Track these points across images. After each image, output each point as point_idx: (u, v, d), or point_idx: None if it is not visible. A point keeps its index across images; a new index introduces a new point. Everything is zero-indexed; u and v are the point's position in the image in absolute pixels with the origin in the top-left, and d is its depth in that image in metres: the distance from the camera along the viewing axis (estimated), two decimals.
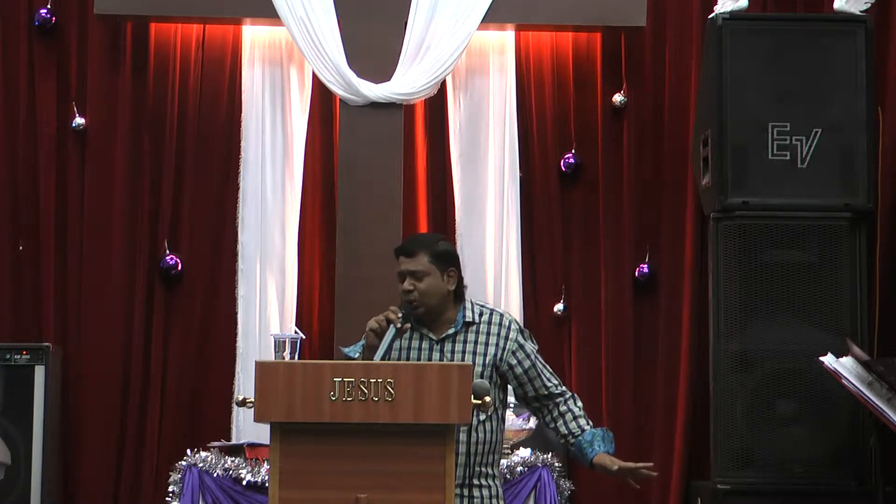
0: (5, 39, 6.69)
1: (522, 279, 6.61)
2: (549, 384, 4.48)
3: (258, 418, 3.71)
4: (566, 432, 4.46)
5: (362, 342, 4.41)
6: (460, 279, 4.48)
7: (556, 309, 6.66)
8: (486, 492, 4.42)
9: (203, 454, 5.96)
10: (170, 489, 5.93)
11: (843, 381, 5.32)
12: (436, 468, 3.70)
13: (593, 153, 6.74)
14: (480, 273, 6.59)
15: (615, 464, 4.37)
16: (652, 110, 6.74)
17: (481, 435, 4.39)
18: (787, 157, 5.99)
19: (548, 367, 4.52)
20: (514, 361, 4.44)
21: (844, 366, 5.34)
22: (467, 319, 4.44)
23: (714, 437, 6.00)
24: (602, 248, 6.69)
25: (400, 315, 4.32)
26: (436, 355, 4.41)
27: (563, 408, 4.47)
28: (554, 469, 5.99)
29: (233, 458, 5.91)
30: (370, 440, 3.70)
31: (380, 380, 3.69)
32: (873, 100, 6.04)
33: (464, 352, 4.41)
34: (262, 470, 5.82)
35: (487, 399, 3.86)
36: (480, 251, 6.62)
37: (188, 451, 5.98)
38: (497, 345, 4.43)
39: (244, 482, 5.83)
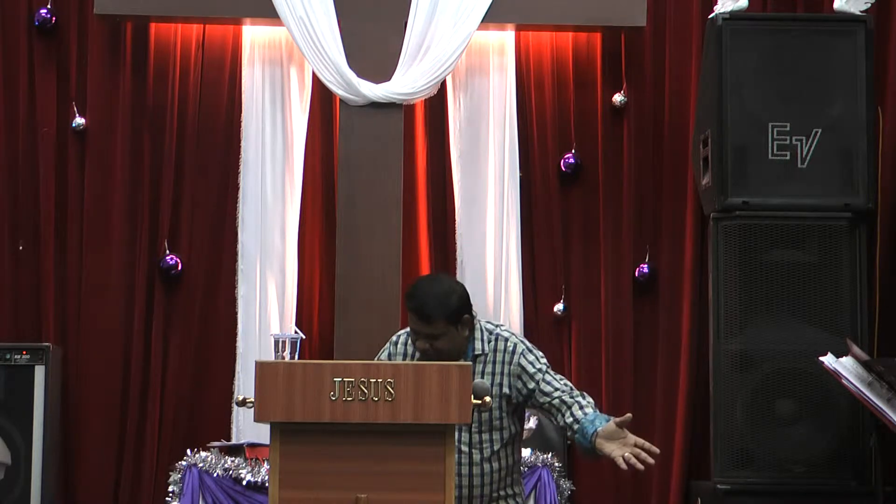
0: (5, 39, 6.69)
1: (522, 279, 6.61)
2: (553, 393, 4.33)
3: (258, 418, 3.71)
4: (571, 420, 4.26)
5: None
6: (472, 316, 4.39)
7: (556, 309, 6.66)
8: None
9: (203, 454, 5.95)
10: (170, 489, 5.93)
11: (843, 381, 5.32)
12: (436, 468, 3.69)
13: (593, 153, 6.75)
14: (480, 273, 6.59)
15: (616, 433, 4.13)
16: (652, 110, 6.74)
17: (497, 463, 4.39)
18: (787, 157, 5.99)
19: (556, 377, 4.38)
20: (519, 385, 4.37)
21: (844, 366, 5.33)
22: (476, 352, 4.38)
23: (714, 437, 5.99)
24: (602, 248, 6.69)
25: None
26: None
27: (575, 410, 4.29)
28: (554, 469, 5.99)
29: (233, 458, 5.91)
30: (370, 440, 3.70)
31: (380, 380, 3.69)
32: (873, 100, 6.04)
33: None
34: (262, 470, 5.82)
35: (488, 399, 3.86)
36: (480, 251, 6.62)
37: (188, 451, 5.98)
38: (502, 372, 4.37)
39: (244, 482, 5.83)
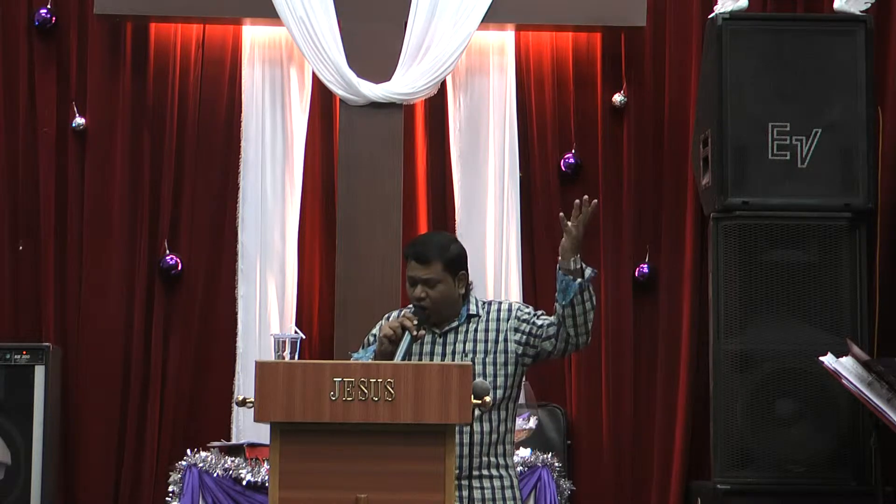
0: (5, 39, 6.69)
1: (522, 279, 6.61)
2: (548, 320, 4.43)
3: (258, 418, 3.71)
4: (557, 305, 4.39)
5: (373, 347, 4.41)
6: (468, 278, 4.49)
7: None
8: (497, 482, 4.39)
9: (203, 454, 5.96)
10: (170, 489, 5.93)
11: (843, 381, 5.32)
12: (436, 468, 3.70)
13: (593, 153, 6.75)
14: (480, 272, 6.58)
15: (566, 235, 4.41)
16: (652, 110, 6.74)
17: (487, 425, 4.36)
18: (787, 157, 5.99)
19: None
20: (517, 336, 4.43)
21: (844, 366, 5.33)
22: (471, 312, 4.45)
23: (714, 437, 6.00)
24: (602, 248, 6.69)
25: (416, 322, 4.30)
26: (438, 348, 4.43)
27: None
28: (554, 469, 5.99)
29: (233, 458, 5.91)
30: (370, 440, 3.70)
31: (380, 380, 3.69)
32: (873, 100, 6.04)
33: (465, 341, 4.42)
34: (262, 470, 5.82)
35: (487, 399, 3.86)
36: (480, 251, 6.61)
37: (188, 451, 5.98)
38: (497, 329, 4.44)
39: (244, 482, 5.83)
